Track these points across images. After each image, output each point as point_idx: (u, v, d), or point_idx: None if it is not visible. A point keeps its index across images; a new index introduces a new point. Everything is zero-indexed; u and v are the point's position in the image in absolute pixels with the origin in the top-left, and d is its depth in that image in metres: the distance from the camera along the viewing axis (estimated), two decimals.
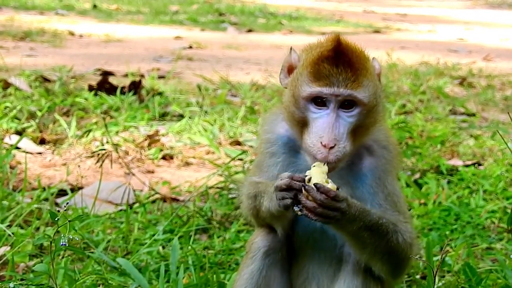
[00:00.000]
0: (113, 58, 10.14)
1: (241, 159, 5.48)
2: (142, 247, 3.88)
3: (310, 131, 2.59)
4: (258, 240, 2.80)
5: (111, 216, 4.37)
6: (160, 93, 7.33)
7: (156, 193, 4.75)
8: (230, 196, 4.72)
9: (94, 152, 5.22)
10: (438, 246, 4.00)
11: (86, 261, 3.65)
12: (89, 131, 5.92)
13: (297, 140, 2.72)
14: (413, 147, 5.64)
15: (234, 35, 13.97)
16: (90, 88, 7.23)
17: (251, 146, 5.91)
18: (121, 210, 4.48)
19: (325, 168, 2.51)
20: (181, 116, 6.65)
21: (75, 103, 6.76)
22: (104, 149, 4.99)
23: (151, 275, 3.60)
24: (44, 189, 4.63)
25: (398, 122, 6.03)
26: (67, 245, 2.81)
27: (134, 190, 4.71)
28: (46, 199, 4.50)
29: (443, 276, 3.73)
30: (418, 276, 3.71)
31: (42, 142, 5.82)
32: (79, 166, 5.33)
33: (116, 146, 5.43)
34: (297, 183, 2.50)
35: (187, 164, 5.65)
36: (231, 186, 4.81)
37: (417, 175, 5.16)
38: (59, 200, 4.58)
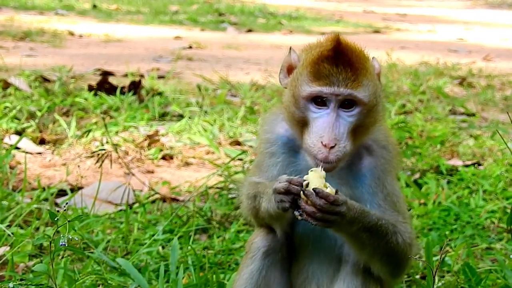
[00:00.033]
0: (113, 58, 10.14)
1: (240, 159, 5.48)
2: (141, 247, 3.88)
3: (310, 131, 2.59)
4: (258, 240, 2.80)
5: (110, 216, 4.37)
6: (160, 93, 7.33)
7: (156, 193, 4.75)
8: (230, 196, 4.72)
9: (93, 152, 5.21)
10: (438, 246, 4.00)
11: (86, 261, 3.65)
12: (89, 131, 5.92)
13: (296, 140, 2.72)
14: (412, 147, 5.64)
15: (234, 35, 13.97)
16: (90, 88, 7.23)
17: (250, 146, 5.91)
18: (120, 210, 4.48)
19: (323, 173, 2.52)
20: (181, 116, 6.65)
21: (74, 103, 6.76)
22: (104, 149, 4.99)
23: (151, 275, 3.60)
24: (43, 189, 4.62)
25: (398, 122, 6.03)
26: (66, 245, 2.81)
27: (133, 190, 4.71)
28: (45, 199, 4.50)
29: (443, 276, 3.73)
30: (417, 276, 3.71)
31: (41, 142, 5.82)
32: (78, 166, 5.33)
33: (116, 146, 5.43)
34: (295, 187, 2.50)
35: (187, 164, 5.65)
36: (231, 186, 4.81)
37: (417, 175, 5.16)
38: (58, 200, 4.58)
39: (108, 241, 3.96)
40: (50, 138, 5.89)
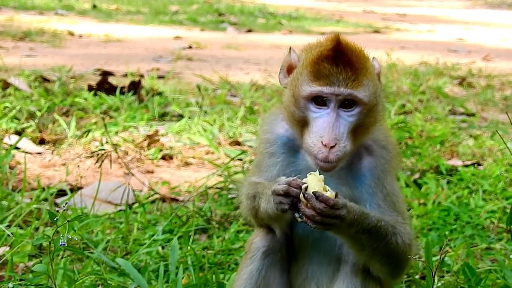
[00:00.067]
0: (113, 58, 10.14)
1: (240, 159, 5.48)
2: (141, 247, 3.88)
3: (310, 131, 2.59)
4: (258, 240, 2.80)
5: (110, 216, 4.36)
6: (159, 93, 7.33)
7: (156, 193, 4.75)
8: (229, 196, 4.72)
9: (93, 152, 5.21)
10: (438, 246, 4.00)
11: (86, 261, 3.65)
12: (89, 131, 5.92)
13: (296, 140, 2.72)
14: (412, 147, 5.64)
15: (233, 35, 13.97)
16: (90, 88, 7.23)
17: (250, 146, 5.91)
18: (120, 210, 4.48)
19: (321, 176, 2.52)
20: (180, 116, 6.65)
21: (74, 103, 6.76)
22: (104, 149, 4.99)
23: (150, 275, 3.60)
24: (43, 189, 4.62)
25: (398, 122, 6.03)
26: (66, 245, 2.81)
27: (133, 190, 4.70)
28: (45, 199, 4.50)
29: (442, 276, 3.73)
30: (417, 276, 3.71)
31: (41, 142, 5.82)
32: (78, 166, 5.33)
33: (115, 146, 5.43)
34: (295, 189, 2.50)
35: (187, 164, 5.64)
36: (231, 186, 4.81)
37: (417, 175, 5.16)
38: (58, 200, 4.58)
39: (108, 241, 3.96)
40: (50, 138, 5.89)
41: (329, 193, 2.48)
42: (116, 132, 6.05)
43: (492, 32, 16.13)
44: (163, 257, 3.85)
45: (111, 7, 18.12)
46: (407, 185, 4.91)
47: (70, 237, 2.81)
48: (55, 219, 2.80)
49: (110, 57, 10.25)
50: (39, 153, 5.62)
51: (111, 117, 6.47)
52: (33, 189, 4.76)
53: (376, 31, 15.72)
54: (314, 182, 2.50)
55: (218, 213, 4.46)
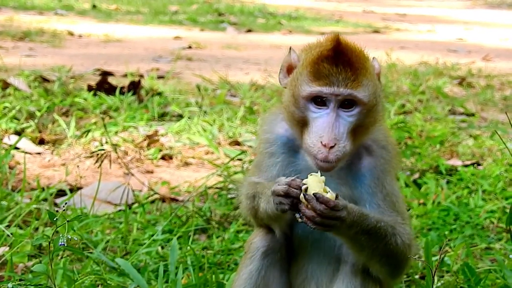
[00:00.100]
0: (113, 58, 10.14)
1: (240, 159, 5.48)
2: (141, 247, 3.88)
3: (310, 131, 2.59)
4: (257, 240, 2.80)
5: (110, 216, 4.36)
6: (159, 93, 7.33)
7: (155, 193, 4.75)
8: (229, 196, 4.72)
9: (93, 152, 5.21)
10: (437, 246, 4.00)
11: (85, 262, 3.65)
12: (88, 131, 5.92)
13: (296, 140, 2.72)
14: (412, 147, 5.64)
15: (233, 35, 13.97)
16: (89, 88, 7.23)
17: (250, 146, 5.91)
18: (120, 210, 4.48)
19: (323, 177, 2.51)
20: (180, 116, 6.65)
21: (74, 103, 6.76)
22: (103, 149, 4.99)
23: (150, 275, 3.60)
24: (43, 189, 4.62)
25: (397, 122, 6.03)
26: (66, 245, 2.81)
27: (133, 190, 4.70)
28: (45, 199, 4.49)
29: (442, 276, 3.73)
30: (417, 276, 3.71)
31: (41, 142, 5.81)
32: (78, 166, 5.33)
33: (115, 146, 5.43)
34: (295, 190, 2.50)
35: (186, 164, 5.64)
36: (230, 186, 4.81)
37: (416, 175, 5.16)
38: (58, 201, 4.58)
39: (107, 241, 3.96)
40: (50, 138, 5.89)
41: (330, 195, 2.48)
42: (116, 132, 6.05)
43: (492, 32, 16.14)
44: (163, 257, 3.85)
45: (110, 7, 18.12)
46: (407, 185, 4.91)
47: (69, 237, 2.81)
48: (54, 219, 2.80)
49: (110, 57, 10.25)
50: (39, 153, 5.62)
51: (110, 117, 6.47)
52: (32, 189, 4.76)
53: (376, 31, 15.72)
54: (314, 183, 2.50)
55: (218, 213, 4.45)
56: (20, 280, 3.42)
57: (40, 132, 6.00)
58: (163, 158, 5.70)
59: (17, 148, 5.42)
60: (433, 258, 3.60)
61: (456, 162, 5.52)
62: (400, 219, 2.68)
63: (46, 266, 2.99)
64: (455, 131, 6.39)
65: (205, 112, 6.71)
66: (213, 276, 3.45)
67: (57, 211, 2.86)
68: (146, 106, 6.84)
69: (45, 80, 7.81)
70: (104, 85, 7.23)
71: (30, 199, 4.50)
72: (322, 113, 2.59)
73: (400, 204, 2.73)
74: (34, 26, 13.22)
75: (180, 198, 4.79)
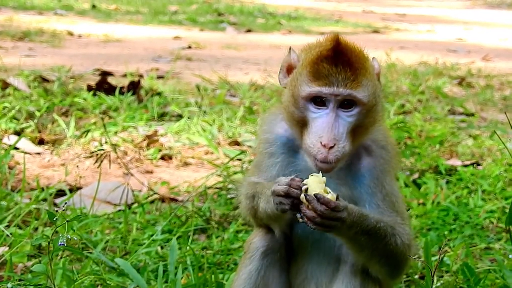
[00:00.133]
0: (112, 58, 10.14)
1: (239, 159, 5.48)
2: (140, 247, 3.88)
3: (309, 131, 2.59)
4: (257, 240, 2.80)
5: (109, 217, 4.36)
6: (159, 93, 7.33)
7: (155, 193, 4.75)
8: (228, 196, 4.72)
9: (92, 152, 5.22)
10: (437, 246, 4.00)
11: (85, 262, 3.65)
12: (88, 131, 5.92)
13: (296, 140, 2.72)
14: (411, 147, 5.64)
15: (233, 35, 13.97)
16: (89, 88, 7.22)
17: (250, 146, 5.91)
18: (119, 211, 4.48)
19: (324, 178, 2.51)
20: (180, 116, 6.65)
21: (73, 103, 6.76)
22: (103, 149, 4.99)
23: (150, 275, 3.60)
24: (42, 189, 4.62)
25: (397, 122, 6.03)
26: (65, 245, 2.80)
27: (132, 190, 4.70)
28: (44, 200, 4.49)
29: (442, 276, 3.73)
30: (416, 276, 3.71)
31: (40, 142, 5.81)
32: (77, 166, 5.32)
33: (114, 146, 5.43)
34: (295, 190, 2.50)
35: (186, 164, 5.64)
36: (230, 186, 4.81)
37: (416, 175, 5.16)
38: (57, 201, 4.58)
39: (107, 241, 3.96)
40: (49, 138, 5.89)
41: (330, 195, 2.48)
42: (115, 132, 6.04)
43: (491, 32, 16.14)
44: (162, 257, 3.85)
45: (110, 7, 18.12)
46: (406, 185, 4.91)
47: (69, 237, 2.81)
48: (54, 219, 2.80)
49: (110, 57, 10.24)
50: (38, 153, 5.62)
51: (110, 117, 6.47)
52: (32, 189, 4.76)
53: (376, 31, 15.72)
54: (315, 184, 2.50)
55: (217, 213, 4.45)
56: (20, 280, 3.42)
57: (39, 132, 6.00)
58: (162, 158, 5.70)
59: (16, 148, 5.42)
60: (433, 258, 3.60)
61: (455, 162, 5.52)
62: (399, 219, 2.68)
63: (45, 266, 2.99)
64: (454, 131, 6.39)
65: (204, 112, 6.71)
66: (213, 276, 3.45)
67: (56, 211, 2.86)
68: (146, 106, 6.84)
69: (45, 80, 7.80)
70: (103, 85, 7.23)
71: (30, 199, 4.50)
72: (321, 113, 2.59)
73: (400, 204, 2.73)
74: (34, 26, 13.22)
75: (180, 198, 4.79)
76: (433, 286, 3.46)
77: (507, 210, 4.42)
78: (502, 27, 17.53)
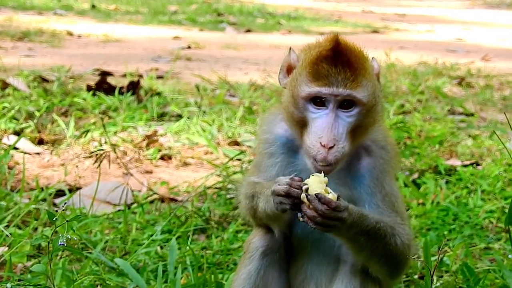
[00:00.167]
0: (112, 58, 10.14)
1: (239, 159, 5.48)
2: (140, 248, 3.87)
3: (309, 131, 2.59)
4: (256, 240, 2.80)
5: (109, 217, 4.36)
6: (158, 93, 7.33)
7: (154, 193, 4.75)
8: (228, 196, 4.71)
9: (92, 152, 5.21)
10: (436, 246, 4.00)
11: (84, 262, 3.65)
12: (87, 131, 5.91)
13: (295, 141, 2.72)
14: (411, 147, 5.64)
15: (232, 35, 13.97)
16: (89, 88, 7.22)
17: (249, 146, 5.91)
18: (119, 211, 4.48)
19: (325, 178, 2.51)
20: (179, 116, 6.65)
21: (73, 103, 6.76)
22: (102, 150, 4.99)
23: (149, 275, 3.59)
24: (42, 189, 4.62)
25: (397, 122, 6.03)
26: (65, 245, 2.80)
27: (132, 191, 4.70)
28: (44, 200, 4.49)
29: (441, 276, 3.73)
30: (416, 276, 3.71)
31: (40, 142, 5.81)
32: (77, 166, 5.32)
33: (114, 146, 5.43)
34: (296, 190, 2.50)
35: (186, 164, 5.64)
36: (229, 186, 4.81)
37: (415, 175, 5.16)
38: (57, 201, 4.58)
39: (107, 241, 3.96)
40: (49, 138, 5.88)
41: (331, 195, 2.48)
42: (115, 132, 6.04)
43: (491, 32, 16.14)
44: (162, 257, 3.85)
45: (110, 7, 18.12)
46: (406, 185, 4.91)
47: (69, 237, 2.81)
48: (53, 219, 2.80)
49: (109, 57, 10.24)
50: (38, 153, 5.62)
51: (110, 117, 6.47)
52: (31, 189, 4.76)
53: (375, 31, 15.72)
54: (316, 184, 2.50)
55: (217, 213, 4.45)
56: (19, 280, 3.41)
57: (39, 132, 6.00)
58: (162, 158, 5.70)
59: (16, 148, 5.41)
60: (432, 258, 3.60)
61: (455, 162, 5.52)
62: (399, 219, 2.68)
63: (45, 266, 2.99)
64: (454, 131, 6.39)
65: (204, 112, 6.71)
66: (212, 276, 3.45)
67: (56, 211, 2.87)
68: (145, 106, 6.84)
69: (44, 80, 7.80)
70: (103, 85, 7.23)
71: (29, 199, 4.50)
72: (321, 114, 2.59)
73: (399, 204, 2.73)
74: (33, 26, 13.21)
75: (179, 198, 4.78)
76: (433, 286, 3.46)
77: (507, 210, 4.41)
78: (502, 27, 17.54)
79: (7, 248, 3.74)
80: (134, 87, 7.23)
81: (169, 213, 4.37)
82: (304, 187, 2.49)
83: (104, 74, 8.29)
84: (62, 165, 5.40)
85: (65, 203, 3.87)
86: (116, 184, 4.76)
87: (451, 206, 4.58)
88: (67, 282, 3.27)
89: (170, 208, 4.45)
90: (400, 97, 7.86)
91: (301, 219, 2.51)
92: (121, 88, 7.14)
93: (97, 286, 3.48)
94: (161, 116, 6.71)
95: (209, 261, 3.79)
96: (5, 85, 7.09)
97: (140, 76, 8.45)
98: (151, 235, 4.05)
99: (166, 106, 6.99)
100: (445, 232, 4.32)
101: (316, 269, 2.77)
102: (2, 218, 4.11)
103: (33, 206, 4.28)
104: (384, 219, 2.62)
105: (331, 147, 2.54)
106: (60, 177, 5.12)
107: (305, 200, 2.48)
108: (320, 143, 2.54)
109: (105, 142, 5.66)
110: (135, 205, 4.56)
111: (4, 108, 6.29)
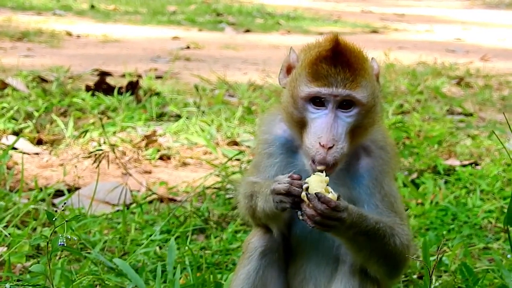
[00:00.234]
0: (111, 59, 10.14)
1: (238, 160, 5.48)
2: (139, 248, 3.87)
3: (308, 132, 2.59)
4: (255, 240, 2.80)
5: (108, 217, 4.36)
6: (157, 94, 7.33)
7: (153, 193, 4.75)
8: (227, 196, 4.72)
9: (91, 152, 5.21)
10: (435, 246, 4.00)
11: (83, 262, 3.65)
12: (86, 131, 5.91)
13: (294, 141, 2.72)
14: (410, 147, 5.65)
15: (231, 35, 13.97)
16: (88, 88, 7.22)
17: (248, 147, 5.91)
18: (118, 211, 4.48)
19: (326, 178, 2.51)
20: (178, 117, 6.65)
21: (72, 103, 6.76)
22: (101, 150, 4.99)
23: (148, 275, 3.59)
24: (41, 189, 4.62)
25: (396, 122, 6.03)
26: (64, 245, 2.80)
27: (131, 191, 4.70)
28: (43, 200, 4.49)
29: (440, 276, 3.73)
30: (415, 276, 3.71)
31: (39, 142, 5.81)
32: (76, 166, 5.32)
33: (113, 146, 5.43)
34: (296, 189, 2.50)
35: (184, 164, 5.64)
36: (228, 186, 4.81)
37: (414, 175, 5.17)
38: (56, 201, 4.58)
39: (105, 242, 3.96)
40: (48, 138, 5.88)
41: (331, 195, 2.48)
42: (114, 133, 6.04)
43: (490, 32, 16.15)
44: (161, 257, 3.85)
45: (109, 8, 18.11)
46: (405, 185, 4.91)
47: (68, 237, 2.81)
48: (52, 219, 2.80)
49: (108, 58, 10.24)
50: (37, 154, 5.62)
51: (109, 118, 6.47)
52: (30, 189, 4.76)
53: (374, 31, 15.73)
54: (316, 183, 2.50)
55: (216, 213, 4.45)
56: (18, 280, 3.41)
57: (38, 132, 5.99)
58: (161, 158, 5.70)
59: (15, 149, 5.41)
60: (431, 258, 3.60)
61: (454, 162, 5.52)
62: (398, 219, 2.68)
63: (44, 266, 2.99)
64: (453, 131, 6.40)
65: (203, 112, 6.71)
66: (211, 276, 3.45)
67: (55, 211, 2.86)
68: (144, 106, 6.84)
69: (43, 80, 7.80)
70: (102, 85, 7.22)
71: (28, 199, 4.50)
72: (320, 114, 2.59)
73: (398, 204, 2.74)
74: (32, 26, 13.21)
75: (178, 198, 4.78)
76: (432, 286, 3.46)
77: (506, 210, 4.42)
78: (501, 27, 17.54)
79: (6, 248, 3.74)
80: (133, 87, 7.23)
81: (168, 213, 4.37)
82: (304, 186, 2.49)
83: (103, 74, 8.29)
84: (61, 165, 5.40)
85: (64, 203, 3.87)
86: (115, 184, 4.76)
87: (450, 206, 4.59)
88: (66, 282, 3.27)
89: (169, 208, 4.45)
90: (399, 97, 7.86)
91: (300, 217, 2.51)
92: (120, 88, 7.14)
93: (96, 286, 3.48)
94: (160, 116, 6.71)
95: (208, 261, 3.79)
96: (4, 85, 7.09)
97: (139, 76, 8.45)
98: (150, 235, 4.05)
99: (165, 106, 6.99)
100: (444, 232, 4.32)
101: (315, 269, 2.77)
102: (1, 218, 4.11)
103: (32, 206, 4.27)
104: (383, 219, 2.62)
105: (330, 147, 2.54)
106: (59, 177, 5.12)
107: (305, 198, 2.48)
108: (319, 143, 2.55)
109: (104, 142, 5.66)
110: (134, 205, 4.56)
111: (3, 108, 6.29)
